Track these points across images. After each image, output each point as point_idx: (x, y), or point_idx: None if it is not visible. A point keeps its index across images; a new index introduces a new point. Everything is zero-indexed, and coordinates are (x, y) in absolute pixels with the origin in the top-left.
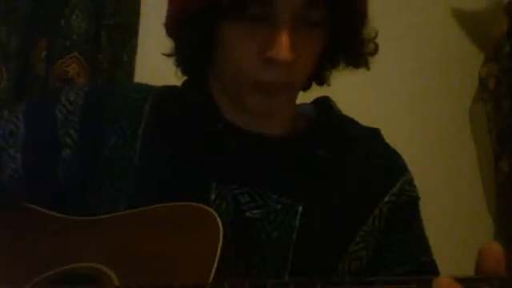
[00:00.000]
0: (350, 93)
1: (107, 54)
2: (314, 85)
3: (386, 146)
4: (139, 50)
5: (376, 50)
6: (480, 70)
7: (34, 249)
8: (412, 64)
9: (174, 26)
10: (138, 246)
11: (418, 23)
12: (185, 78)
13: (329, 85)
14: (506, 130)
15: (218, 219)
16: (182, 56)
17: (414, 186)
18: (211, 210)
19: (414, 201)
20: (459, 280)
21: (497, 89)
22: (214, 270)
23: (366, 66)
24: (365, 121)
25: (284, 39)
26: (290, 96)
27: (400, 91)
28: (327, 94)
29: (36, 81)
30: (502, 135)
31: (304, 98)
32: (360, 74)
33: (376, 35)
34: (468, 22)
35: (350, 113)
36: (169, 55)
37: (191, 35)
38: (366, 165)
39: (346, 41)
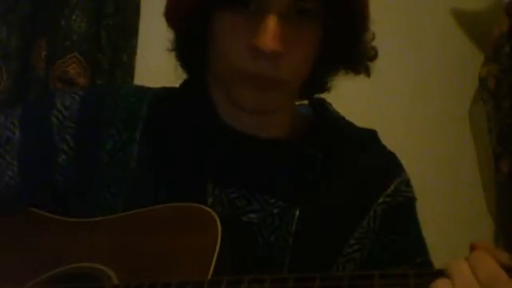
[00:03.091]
0: (349, 93)
1: (107, 53)
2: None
3: (383, 147)
4: (139, 49)
5: (375, 55)
6: (480, 70)
7: (34, 249)
8: (412, 64)
9: (172, 18)
10: (138, 246)
11: (418, 23)
12: (183, 79)
13: (329, 92)
14: (505, 130)
15: (216, 217)
16: (181, 49)
17: (411, 187)
18: (209, 209)
19: (409, 201)
20: None
21: (497, 89)
22: (212, 267)
23: (367, 72)
24: (364, 121)
25: (269, 27)
26: (281, 95)
27: (400, 91)
28: (326, 96)
29: (36, 81)
30: (502, 135)
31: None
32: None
33: (373, 38)
34: (468, 22)
35: (348, 113)
36: (170, 50)
37: (188, 27)
38: (361, 166)
39: (343, 41)
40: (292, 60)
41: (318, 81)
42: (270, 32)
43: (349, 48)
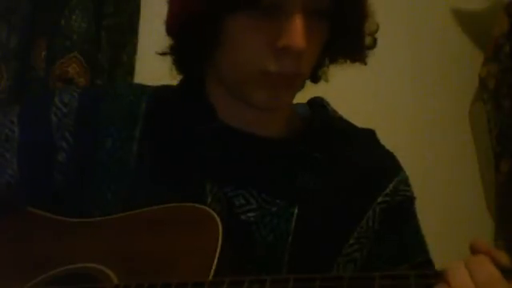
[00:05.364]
0: (350, 93)
1: (107, 53)
2: (312, 85)
3: (381, 146)
4: (139, 49)
5: (374, 44)
6: (480, 70)
7: (33, 250)
8: (412, 64)
9: (176, 25)
10: (137, 246)
11: (418, 23)
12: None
13: (326, 80)
14: (505, 130)
15: (217, 218)
16: (182, 54)
17: (409, 186)
18: (209, 209)
19: (408, 200)
20: None
21: (497, 89)
22: (214, 267)
23: (363, 60)
24: (364, 121)
25: (299, 26)
26: (296, 90)
27: (400, 91)
28: (327, 94)
29: (36, 81)
30: (502, 135)
31: (302, 97)
32: (360, 74)
33: (377, 29)
34: (468, 22)
35: (349, 113)
36: (164, 54)
37: (196, 33)
38: (360, 166)
39: (347, 33)
40: (309, 55)
41: (315, 71)
42: (300, 31)
43: (350, 38)
